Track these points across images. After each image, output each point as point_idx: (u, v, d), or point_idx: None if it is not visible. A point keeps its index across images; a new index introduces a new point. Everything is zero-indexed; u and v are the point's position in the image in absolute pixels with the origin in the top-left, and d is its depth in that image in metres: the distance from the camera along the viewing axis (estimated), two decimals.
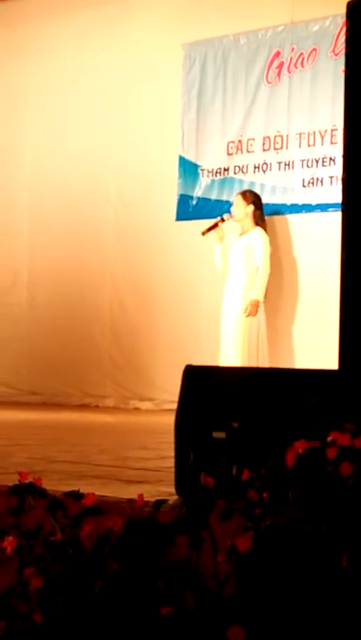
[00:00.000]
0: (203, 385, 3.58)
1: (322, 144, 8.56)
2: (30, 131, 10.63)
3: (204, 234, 8.61)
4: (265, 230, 8.47)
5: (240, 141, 9.10)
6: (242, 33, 9.09)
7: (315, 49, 8.64)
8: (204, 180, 9.34)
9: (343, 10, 3.53)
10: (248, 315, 8.29)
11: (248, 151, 9.05)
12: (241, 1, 9.17)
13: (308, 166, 8.65)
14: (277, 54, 8.88)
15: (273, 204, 8.79)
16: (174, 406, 3.62)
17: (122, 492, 3.42)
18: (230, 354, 8.32)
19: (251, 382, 3.53)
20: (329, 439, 1.90)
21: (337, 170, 8.16)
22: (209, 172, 9.31)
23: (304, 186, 8.67)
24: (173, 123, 9.51)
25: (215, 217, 8.67)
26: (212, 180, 9.29)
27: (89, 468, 4.43)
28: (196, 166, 9.39)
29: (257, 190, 8.71)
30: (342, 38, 7.82)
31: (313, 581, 1.75)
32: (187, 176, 9.43)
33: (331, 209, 8.25)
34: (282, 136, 8.82)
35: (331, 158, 8.49)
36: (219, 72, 9.29)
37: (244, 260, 8.44)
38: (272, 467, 1.93)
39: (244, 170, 9.07)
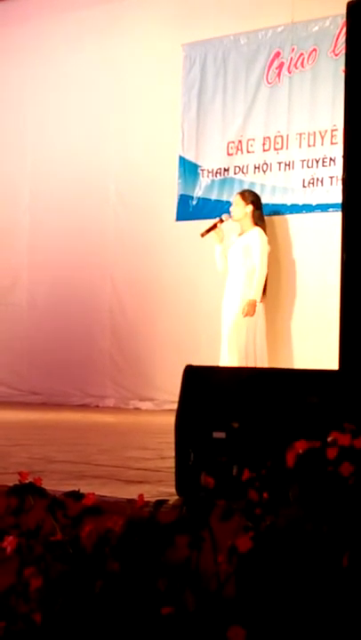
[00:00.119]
0: (203, 385, 3.58)
1: (322, 144, 8.56)
2: (30, 131, 10.63)
3: (203, 235, 8.61)
4: (264, 230, 8.47)
5: (240, 141, 9.10)
6: (242, 33, 9.09)
7: (315, 49, 8.64)
8: (204, 181, 9.34)
9: (343, 10, 3.54)
10: (246, 315, 8.29)
11: (248, 151, 9.05)
12: (241, 1, 9.17)
13: (308, 166, 8.65)
14: (278, 54, 8.87)
15: (273, 205, 8.79)
16: (174, 406, 3.62)
17: (122, 492, 3.42)
18: (227, 354, 8.32)
19: (251, 382, 3.53)
20: (329, 439, 1.90)
21: (337, 170, 8.16)
22: (209, 172, 9.31)
23: (304, 186, 8.67)
24: (173, 123, 9.51)
25: (215, 217, 8.67)
26: (213, 181, 9.29)
27: (89, 468, 4.43)
28: (196, 166, 9.39)
29: (257, 190, 8.71)
30: (342, 38, 7.82)
31: (313, 581, 1.75)
32: (187, 176, 9.43)
33: (331, 209, 8.25)
34: (282, 136, 8.82)
35: (331, 158, 8.49)
36: (219, 72, 9.29)
37: (242, 260, 8.44)
38: (272, 467, 1.93)
39: (245, 170, 9.07)
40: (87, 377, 9.99)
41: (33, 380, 10.36)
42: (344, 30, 4.19)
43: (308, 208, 8.64)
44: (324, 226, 8.29)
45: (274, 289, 8.58)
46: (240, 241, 8.51)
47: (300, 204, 8.70)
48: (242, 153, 9.10)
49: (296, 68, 8.76)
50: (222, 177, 9.22)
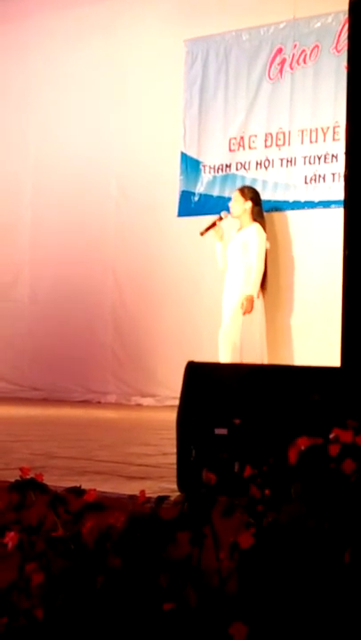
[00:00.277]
0: (205, 381, 3.58)
1: (324, 141, 8.55)
2: (32, 127, 10.62)
3: (202, 234, 8.60)
4: (263, 227, 8.46)
5: (242, 138, 9.09)
6: (244, 29, 9.08)
7: (317, 45, 8.63)
8: (205, 177, 9.33)
9: (345, 6, 3.54)
10: (245, 312, 8.30)
11: (250, 147, 9.04)
12: None
13: (310, 163, 8.64)
14: (280, 51, 8.86)
15: (275, 201, 8.79)
16: (176, 402, 3.62)
17: (123, 488, 3.43)
18: (222, 348, 8.32)
19: (253, 379, 3.53)
20: (331, 436, 1.90)
21: (339, 166, 8.15)
22: (211, 168, 9.30)
23: (306, 182, 8.66)
24: (175, 119, 9.51)
25: (217, 213, 8.66)
26: (214, 177, 9.28)
27: (91, 463, 4.43)
28: (197, 162, 9.38)
29: (259, 187, 8.70)
30: (344, 35, 7.80)
31: (315, 578, 1.75)
32: (189, 172, 9.42)
33: (333, 206, 8.24)
34: (284, 132, 8.81)
35: (333, 155, 8.48)
36: (221, 68, 9.27)
37: (241, 255, 8.44)
38: (274, 463, 1.93)
39: (246, 166, 9.06)
40: (89, 373, 9.99)
41: (34, 376, 10.36)
42: (346, 27, 4.19)
43: (310, 205, 8.63)
44: (326, 222, 8.29)
45: (275, 285, 8.57)
46: (239, 237, 8.51)
47: (303, 200, 8.69)
48: (244, 149, 9.09)
49: (298, 65, 8.75)
50: (224, 173, 9.21)
